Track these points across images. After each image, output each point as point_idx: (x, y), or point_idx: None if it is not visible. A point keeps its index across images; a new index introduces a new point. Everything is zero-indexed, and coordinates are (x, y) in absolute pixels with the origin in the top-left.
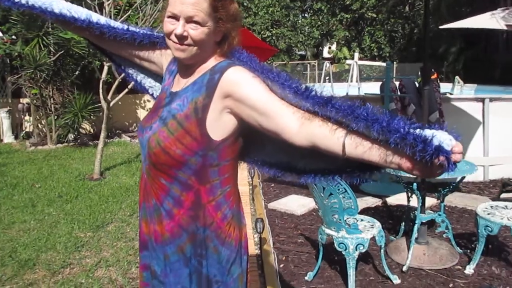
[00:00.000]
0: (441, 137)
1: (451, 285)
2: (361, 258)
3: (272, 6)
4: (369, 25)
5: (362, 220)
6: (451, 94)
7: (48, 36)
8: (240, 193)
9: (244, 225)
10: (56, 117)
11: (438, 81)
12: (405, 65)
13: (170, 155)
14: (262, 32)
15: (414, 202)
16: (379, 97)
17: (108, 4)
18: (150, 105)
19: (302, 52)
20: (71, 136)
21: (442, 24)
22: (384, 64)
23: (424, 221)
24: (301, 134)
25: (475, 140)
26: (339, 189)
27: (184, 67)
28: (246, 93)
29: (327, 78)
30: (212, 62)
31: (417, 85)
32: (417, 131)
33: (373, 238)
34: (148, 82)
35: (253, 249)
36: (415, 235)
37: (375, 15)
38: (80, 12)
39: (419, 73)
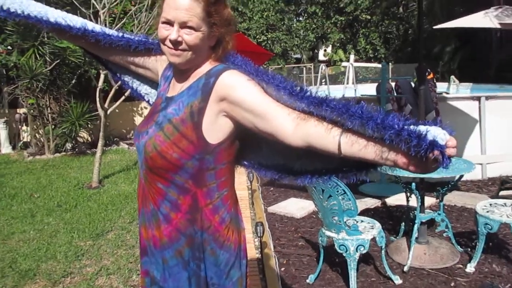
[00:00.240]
0: (435, 132)
1: (452, 284)
2: (362, 259)
3: (266, 10)
4: (363, 27)
5: (362, 221)
6: (447, 93)
7: (43, 46)
8: (239, 197)
9: (242, 228)
10: (53, 126)
11: (435, 81)
12: (400, 66)
13: (167, 159)
14: (257, 37)
15: (413, 202)
16: (376, 98)
17: (103, 13)
18: (146, 112)
19: (298, 56)
20: (68, 145)
21: (436, 24)
22: (379, 65)
23: (423, 220)
24: (296, 134)
25: (472, 139)
26: (338, 191)
27: (179, 72)
28: (241, 95)
29: (323, 80)
30: (207, 66)
31: (413, 85)
32: (412, 127)
33: (373, 239)
34: (144, 89)
35: (253, 253)
36: (415, 235)
37: (369, 17)
38: (75, 21)
39: (415, 73)
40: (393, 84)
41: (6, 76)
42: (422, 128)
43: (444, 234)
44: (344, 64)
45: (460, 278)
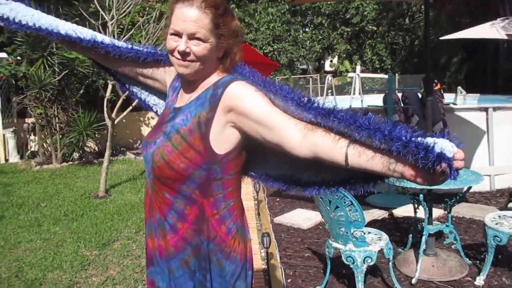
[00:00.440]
0: (443, 144)
1: None
2: (369, 271)
3: (273, 21)
4: (370, 38)
5: (369, 232)
6: (454, 104)
7: (52, 56)
8: (245, 207)
9: (249, 239)
10: (61, 136)
11: (442, 92)
12: (407, 77)
13: (174, 169)
14: (263, 47)
15: (421, 213)
16: (382, 109)
17: (112, 24)
18: (154, 122)
19: (304, 66)
20: (76, 155)
21: (442, 35)
22: (386, 76)
23: (431, 232)
24: (303, 145)
25: (480, 150)
26: (345, 202)
27: (187, 83)
28: (248, 106)
29: (329, 91)
30: (214, 77)
31: (420, 96)
32: (419, 138)
33: (381, 251)
34: (152, 99)
35: (260, 264)
36: (423, 246)
37: (375, 28)
38: (85, 33)
39: (422, 84)
40: (399, 95)
41: (15, 86)
42: (429, 140)
43: (453, 246)
44: (350, 74)
45: None
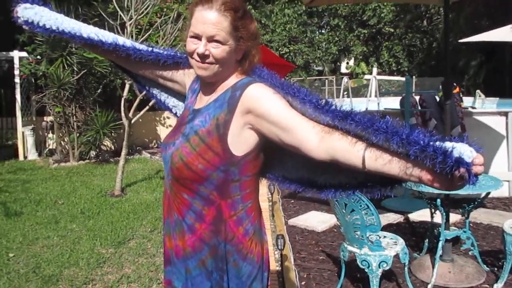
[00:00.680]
0: (462, 149)
1: None
2: (384, 276)
3: (289, 23)
4: (386, 39)
5: (385, 237)
6: (473, 108)
7: (71, 56)
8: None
9: (265, 241)
10: (78, 134)
11: (461, 95)
12: (424, 79)
13: (193, 170)
14: (280, 49)
15: (438, 218)
16: (399, 112)
17: (130, 24)
18: (169, 121)
19: (320, 68)
20: (92, 153)
21: (461, 38)
22: (402, 78)
23: (448, 238)
24: (321, 147)
25: (499, 155)
26: (361, 205)
27: (206, 85)
28: (266, 108)
29: (345, 93)
30: (233, 79)
31: (437, 99)
32: (437, 143)
33: (396, 256)
34: (171, 101)
35: (274, 266)
36: (439, 252)
37: (392, 30)
38: (107, 36)
39: (440, 87)
40: (417, 98)
41: (35, 85)
42: (448, 144)
43: (470, 253)
44: (366, 77)
45: None
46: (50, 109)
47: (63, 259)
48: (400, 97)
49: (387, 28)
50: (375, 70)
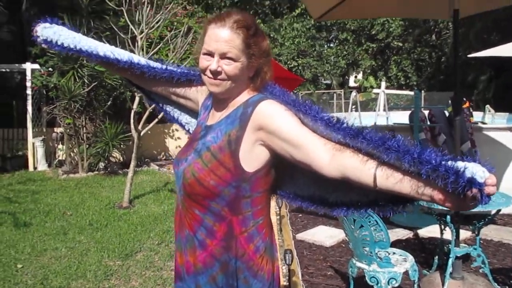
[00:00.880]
0: (474, 169)
1: None
2: None
3: (298, 37)
4: (395, 54)
5: (394, 253)
6: (483, 123)
7: (82, 68)
8: None
9: (276, 258)
10: (87, 146)
11: (471, 110)
12: (433, 94)
13: (204, 186)
14: (288, 62)
15: (447, 234)
16: (408, 127)
17: (141, 38)
18: (178, 134)
19: (328, 81)
20: (101, 165)
21: (470, 52)
22: (411, 92)
23: (459, 255)
24: (332, 165)
25: (509, 171)
26: (370, 221)
27: (219, 102)
28: (278, 125)
29: (353, 107)
30: (245, 96)
31: (447, 114)
32: (449, 162)
33: (405, 272)
34: (184, 118)
35: (281, 281)
36: (449, 269)
37: (401, 44)
38: (122, 54)
39: (449, 101)
40: (426, 112)
41: (46, 96)
42: (460, 164)
43: (480, 270)
44: (375, 90)
45: None
46: (61, 121)
47: (71, 271)
48: (409, 112)
49: (395, 42)
50: (383, 84)
